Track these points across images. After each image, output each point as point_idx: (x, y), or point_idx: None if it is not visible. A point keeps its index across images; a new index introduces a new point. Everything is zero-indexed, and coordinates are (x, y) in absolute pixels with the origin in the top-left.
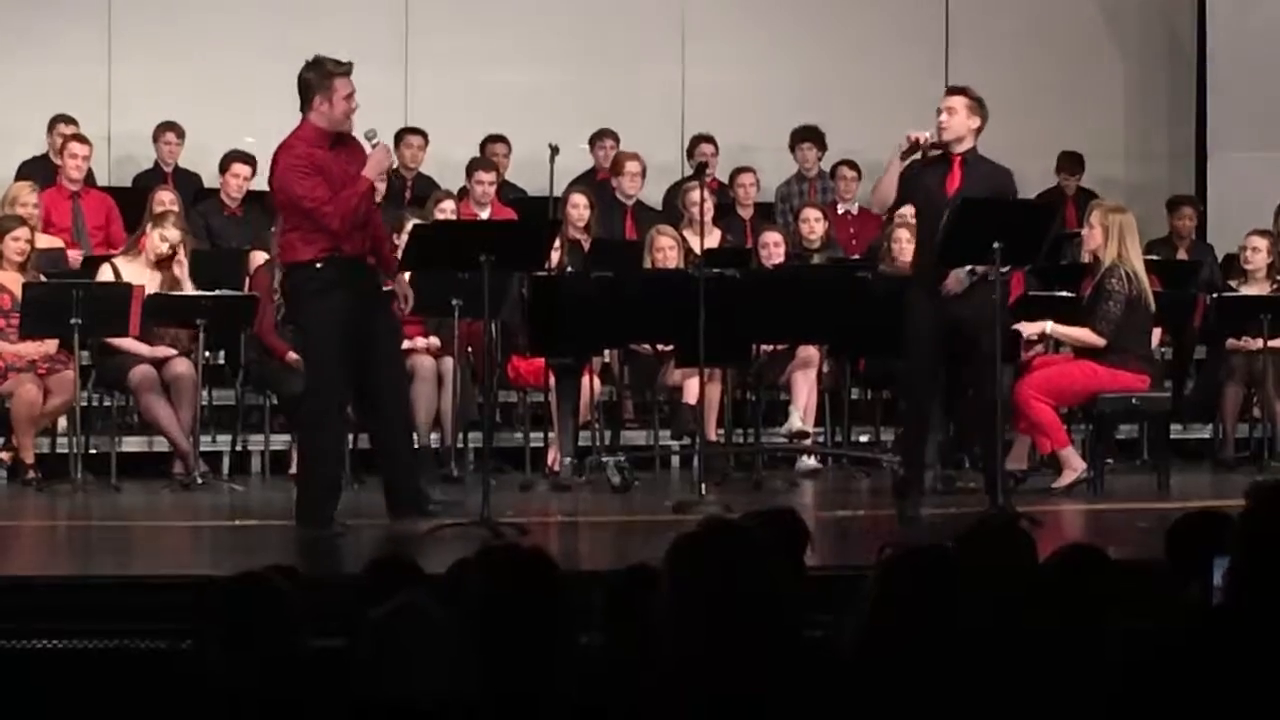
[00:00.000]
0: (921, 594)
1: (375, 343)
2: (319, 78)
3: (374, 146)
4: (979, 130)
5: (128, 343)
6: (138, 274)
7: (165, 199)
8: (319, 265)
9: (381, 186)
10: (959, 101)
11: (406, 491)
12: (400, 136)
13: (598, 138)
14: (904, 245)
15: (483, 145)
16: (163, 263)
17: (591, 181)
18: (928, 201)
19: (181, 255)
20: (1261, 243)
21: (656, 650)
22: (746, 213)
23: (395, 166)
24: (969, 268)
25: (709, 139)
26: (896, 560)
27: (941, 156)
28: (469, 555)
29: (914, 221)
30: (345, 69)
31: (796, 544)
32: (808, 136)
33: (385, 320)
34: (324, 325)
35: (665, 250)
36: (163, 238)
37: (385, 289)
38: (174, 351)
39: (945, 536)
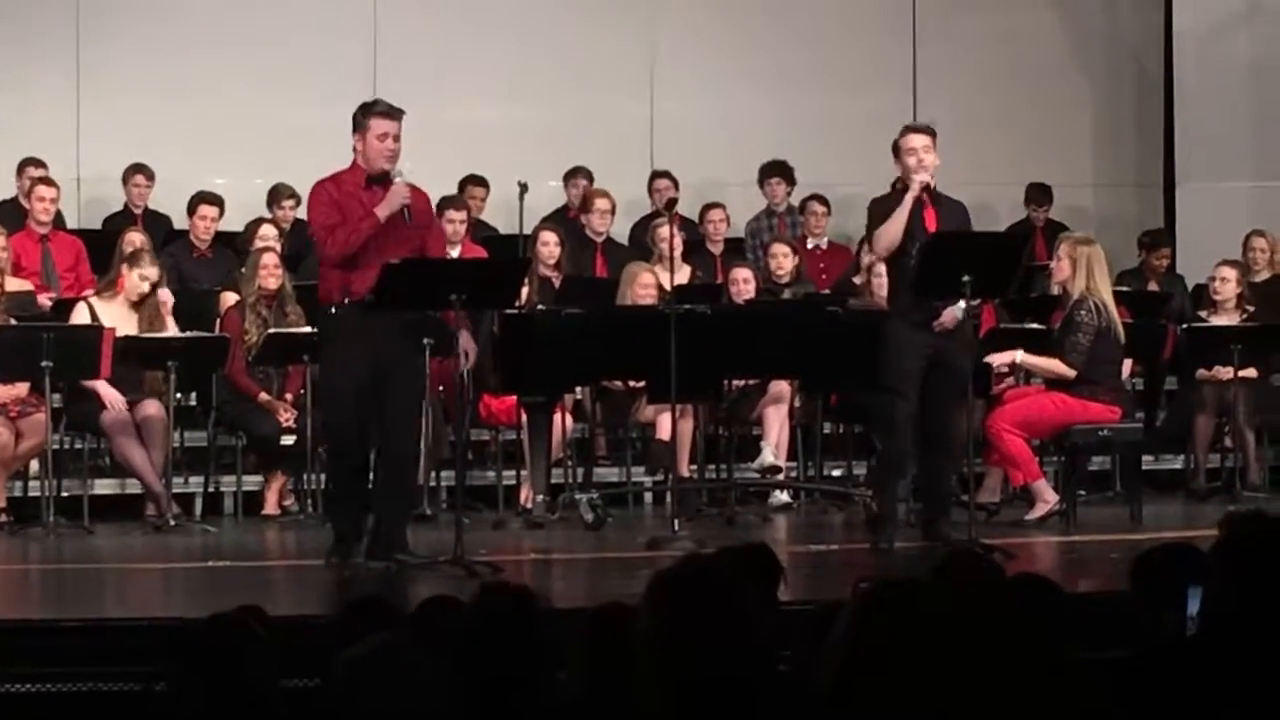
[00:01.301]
0: (898, 627)
1: (390, 387)
2: (360, 116)
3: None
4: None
5: (102, 387)
6: (116, 314)
7: (136, 240)
8: (333, 310)
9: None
10: (929, 140)
11: (386, 536)
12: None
13: (571, 175)
14: (883, 280)
15: (461, 185)
16: (142, 302)
17: (564, 219)
18: (909, 238)
19: (166, 295)
20: (1230, 273)
21: (634, 687)
22: (717, 249)
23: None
24: (962, 304)
25: (666, 174)
26: (873, 594)
27: (902, 196)
28: (441, 593)
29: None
30: (385, 110)
31: (770, 579)
32: (777, 172)
33: (407, 363)
34: (332, 373)
35: (648, 287)
36: (142, 276)
37: (418, 332)
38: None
39: (919, 569)
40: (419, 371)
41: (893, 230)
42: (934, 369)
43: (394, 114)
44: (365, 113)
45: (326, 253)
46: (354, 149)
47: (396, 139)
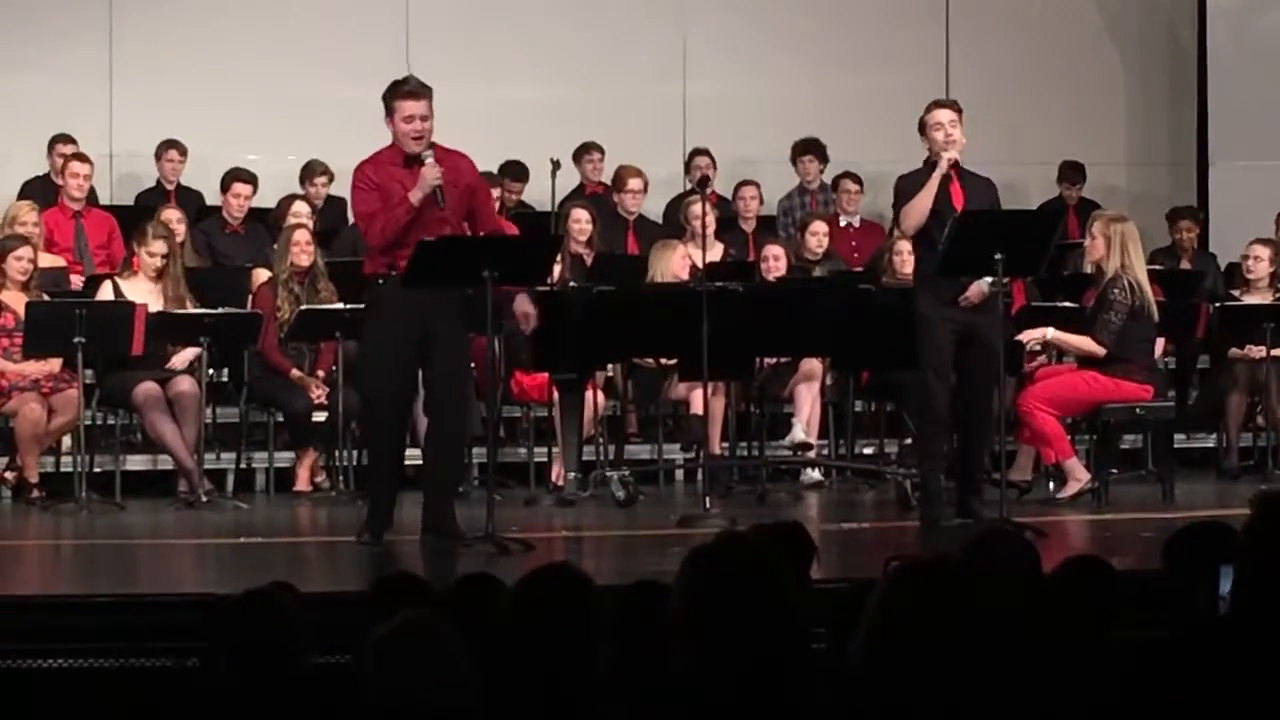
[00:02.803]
0: (929, 605)
1: (434, 362)
2: (388, 98)
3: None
4: None
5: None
6: (138, 291)
7: (171, 218)
8: (380, 282)
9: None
10: (956, 116)
11: (435, 512)
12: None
13: (584, 151)
14: (905, 258)
15: (501, 170)
16: (160, 276)
17: (581, 196)
18: (936, 214)
19: (171, 267)
20: (1264, 251)
21: (668, 664)
22: (749, 226)
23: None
24: (990, 279)
25: (705, 152)
26: (904, 571)
27: (930, 172)
28: (478, 571)
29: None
30: (410, 90)
31: (803, 557)
32: (809, 149)
33: (451, 338)
34: (373, 344)
35: (678, 261)
36: (150, 254)
37: (464, 308)
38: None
39: (952, 547)
40: (465, 346)
41: (920, 206)
42: (964, 346)
43: (420, 93)
44: (392, 94)
45: (369, 241)
46: (389, 128)
47: (424, 119)
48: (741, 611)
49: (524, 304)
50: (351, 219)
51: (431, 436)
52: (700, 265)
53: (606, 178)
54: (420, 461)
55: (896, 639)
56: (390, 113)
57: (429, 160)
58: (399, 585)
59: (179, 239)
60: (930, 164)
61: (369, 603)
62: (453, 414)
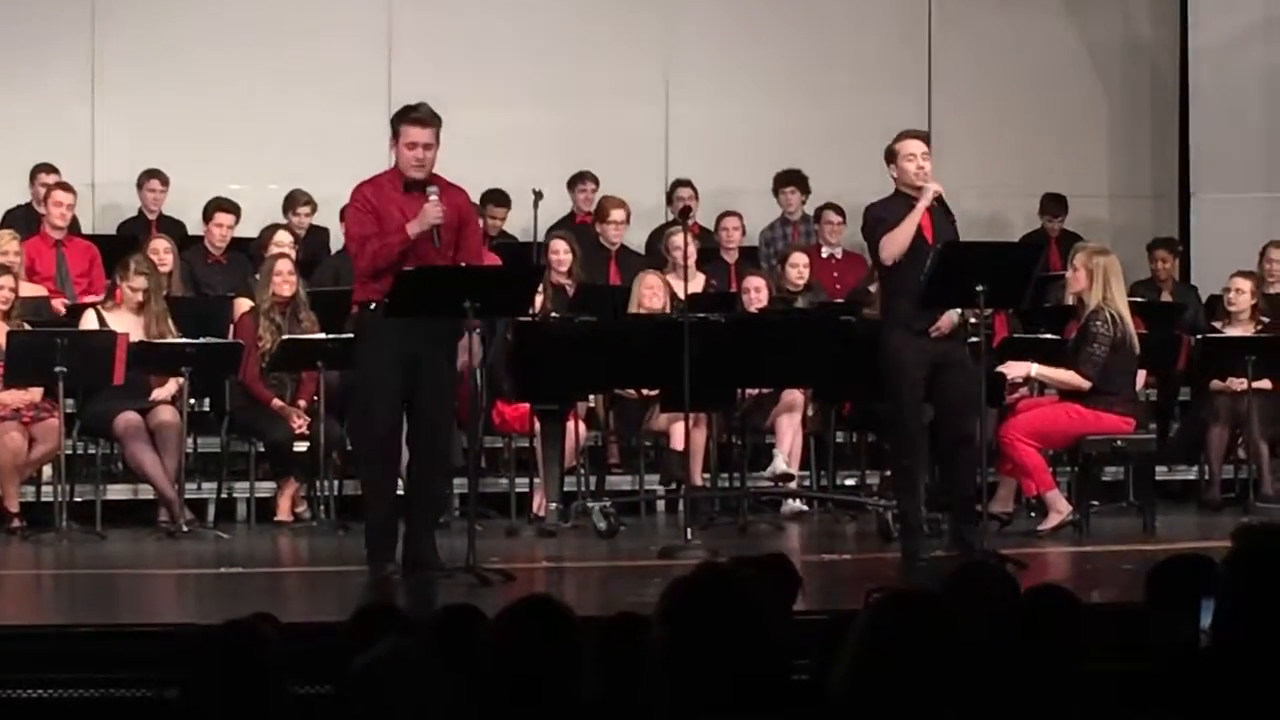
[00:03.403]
0: (911, 637)
1: (421, 390)
2: (396, 122)
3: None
4: None
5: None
6: (121, 322)
7: (158, 247)
8: (372, 307)
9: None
10: (926, 147)
11: (415, 543)
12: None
13: (578, 180)
14: None
15: (483, 200)
16: (142, 309)
17: (571, 225)
18: (909, 245)
19: (153, 302)
20: (1245, 284)
21: (649, 695)
22: (731, 257)
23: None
24: (959, 310)
25: (688, 184)
26: (886, 603)
27: (904, 199)
28: (459, 602)
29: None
30: (417, 118)
31: (788, 590)
32: (791, 180)
33: (437, 366)
34: (368, 372)
35: (652, 288)
36: (131, 288)
37: (451, 337)
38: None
39: (934, 579)
40: (451, 375)
41: (902, 237)
42: (939, 375)
43: (428, 122)
44: (401, 118)
45: (357, 264)
46: (392, 153)
47: (428, 147)
48: (721, 642)
49: (472, 345)
50: (335, 248)
51: (416, 467)
52: (682, 296)
53: None
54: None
55: (878, 670)
56: (395, 136)
57: (433, 198)
58: (379, 616)
59: (166, 269)
60: (899, 194)
61: (349, 634)
62: (438, 445)
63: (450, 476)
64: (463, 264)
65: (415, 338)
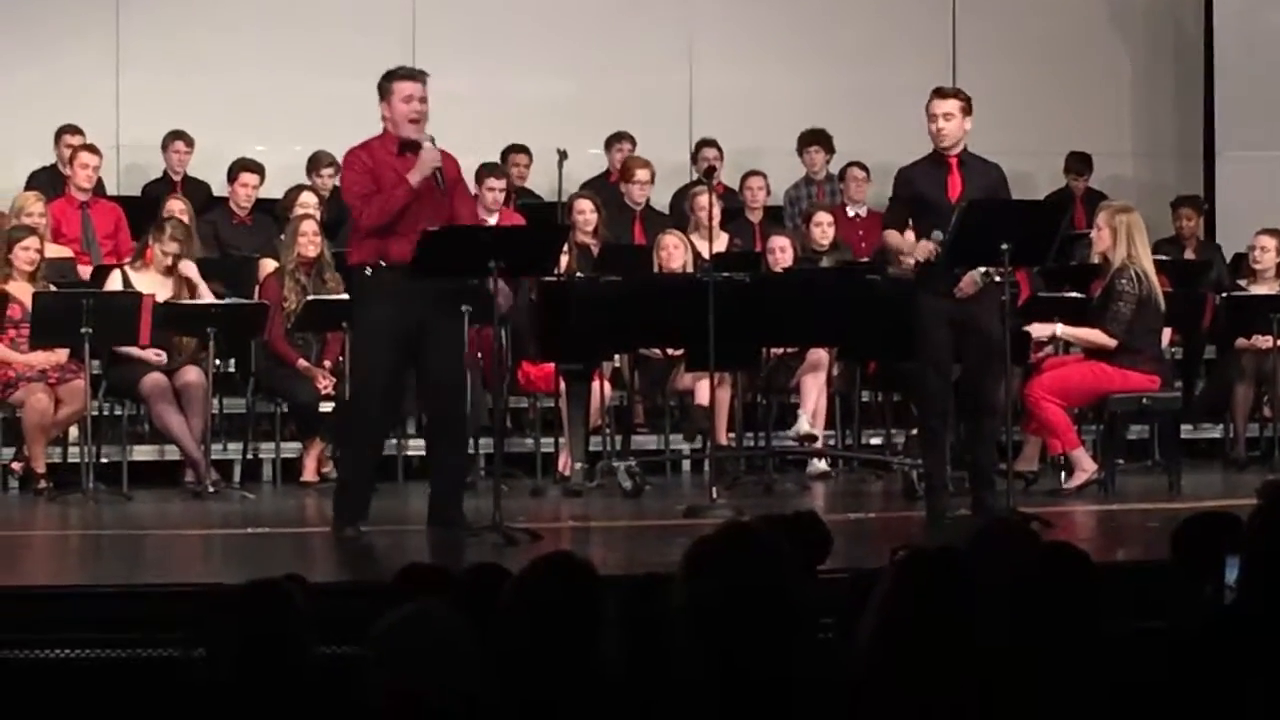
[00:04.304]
0: (934, 595)
1: (428, 352)
2: (383, 84)
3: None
4: (969, 130)
5: (131, 350)
6: (149, 282)
7: (173, 208)
8: (368, 271)
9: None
10: (954, 105)
11: (441, 503)
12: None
13: (615, 140)
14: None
15: (504, 154)
16: (171, 270)
17: (606, 184)
18: (929, 205)
19: (187, 268)
20: (1270, 242)
21: (672, 654)
22: (755, 216)
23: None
24: (983, 269)
25: (713, 143)
26: (909, 562)
27: (936, 159)
28: (485, 561)
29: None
30: (407, 73)
31: (818, 548)
32: (815, 140)
33: (444, 328)
34: (367, 333)
35: (669, 249)
36: (164, 251)
37: (457, 297)
38: (164, 358)
39: (958, 538)
40: (459, 336)
41: (892, 245)
42: (964, 336)
43: (417, 76)
44: (389, 79)
45: (362, 222)
46: (383, 118)
47: (423, 100)
48: (745, 600)
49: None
50: None
51: (434, 428)
52: (706, 255)
53: None
54: (424, 453)
55: (903, 628)
56: (387, 95)
57: (428, 144)
58: (422, 575)
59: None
60: (934, 153)
61: (390, 592)
62: (454, 403)
63: (475, 437)
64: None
65: (418, 300)
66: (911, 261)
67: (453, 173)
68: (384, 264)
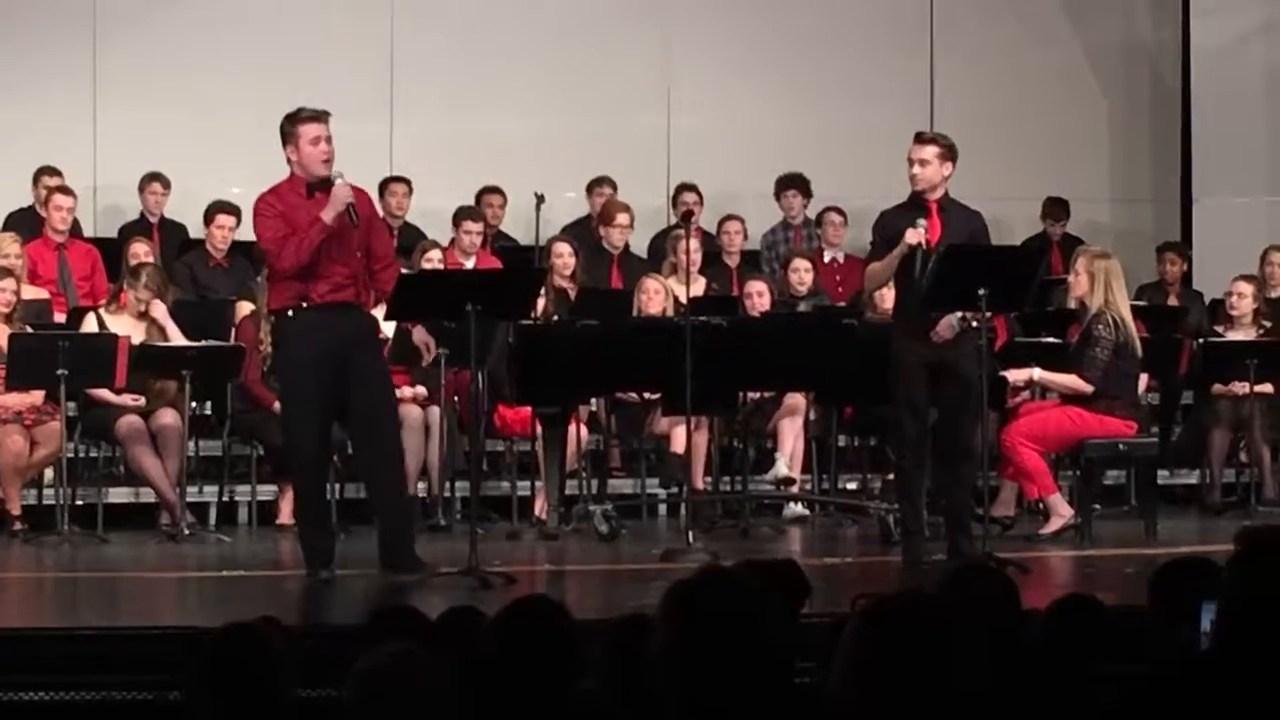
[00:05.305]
0: (899, 642)
1: (357, 392)
2: (288, 126)
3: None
4: (949, 175)
5: (106, 395)
6: (123, 325)
7: (138, 252)
8: (290, 314)
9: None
10: (930, 151)
11: (393, 544)
12: (385, 186)
13: (596, 185)
14: (884, 293)
15: (478, 196)
16: (145, 314)
17: (587, 228)
18: (910, 257)
19: (158, 311)
20: (1247, 288)
21: (652, 697)
22: (733, 261)
23: (387, 214)
24: (960, 314)
25: (693, 188)
26: (872, 609)
27: (915, 203)
28: (461, 604)
29: None
30: (311, 114)
31: (797, 596)
32: (793, 184)
33: (370, 367)
34: (292, 377)
35: (650, 293)
36: (137, 298)
37: (379, 336)
38: (142, 401)
39: (930, 582)
40: (384, 370)
41: (881, 274)
42: (941, 381)
43: (321, 117)
44: (292, 121)
45: (280, 265)
46: (289, 160)
47: (329, 140)
48: (722, 644)
49: (421, 334)
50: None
51: (368, 467)
52: (684, 299)
53: None
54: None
55: (869, 676)
56: (293, 139)
57: (339, 180)
58: (395, 617)
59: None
60: (913, 196)
61: (363, 635)
62: (386, 444)
63: (404, 473)
64: (375, 267)
65: (343, 339)
66: (894, 272)
67: (366, 209)
68: (305, 305)
